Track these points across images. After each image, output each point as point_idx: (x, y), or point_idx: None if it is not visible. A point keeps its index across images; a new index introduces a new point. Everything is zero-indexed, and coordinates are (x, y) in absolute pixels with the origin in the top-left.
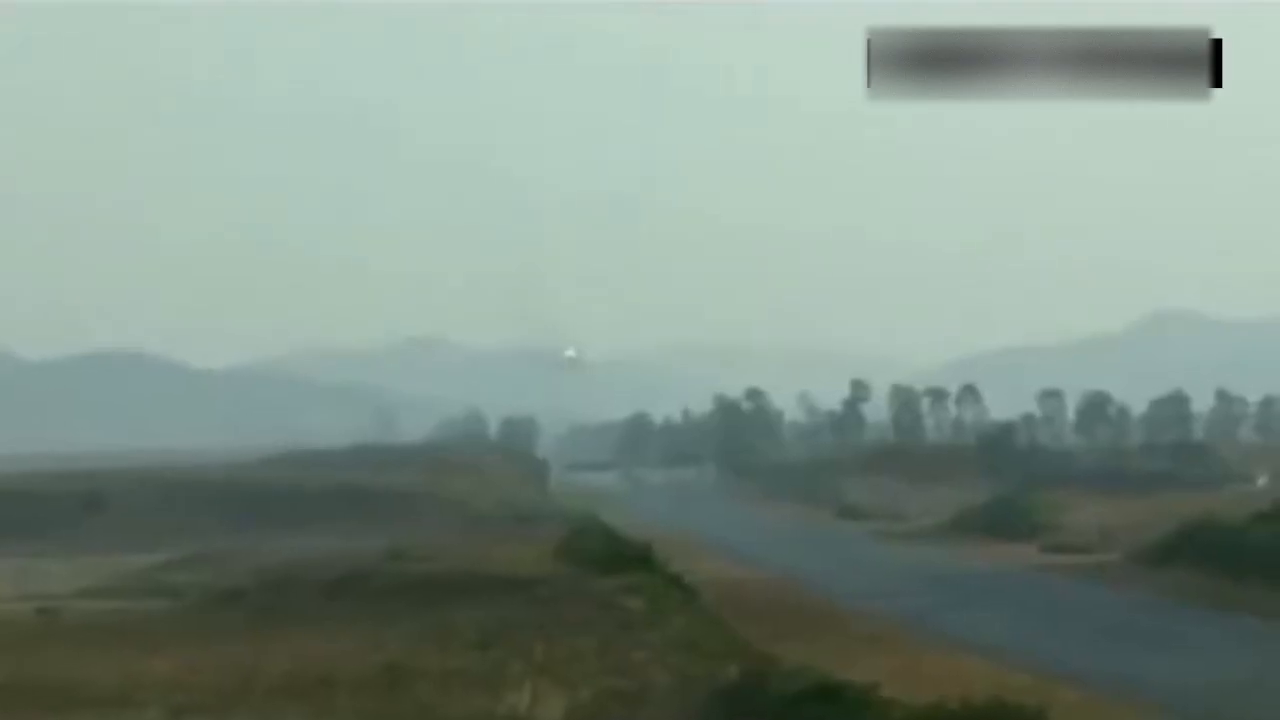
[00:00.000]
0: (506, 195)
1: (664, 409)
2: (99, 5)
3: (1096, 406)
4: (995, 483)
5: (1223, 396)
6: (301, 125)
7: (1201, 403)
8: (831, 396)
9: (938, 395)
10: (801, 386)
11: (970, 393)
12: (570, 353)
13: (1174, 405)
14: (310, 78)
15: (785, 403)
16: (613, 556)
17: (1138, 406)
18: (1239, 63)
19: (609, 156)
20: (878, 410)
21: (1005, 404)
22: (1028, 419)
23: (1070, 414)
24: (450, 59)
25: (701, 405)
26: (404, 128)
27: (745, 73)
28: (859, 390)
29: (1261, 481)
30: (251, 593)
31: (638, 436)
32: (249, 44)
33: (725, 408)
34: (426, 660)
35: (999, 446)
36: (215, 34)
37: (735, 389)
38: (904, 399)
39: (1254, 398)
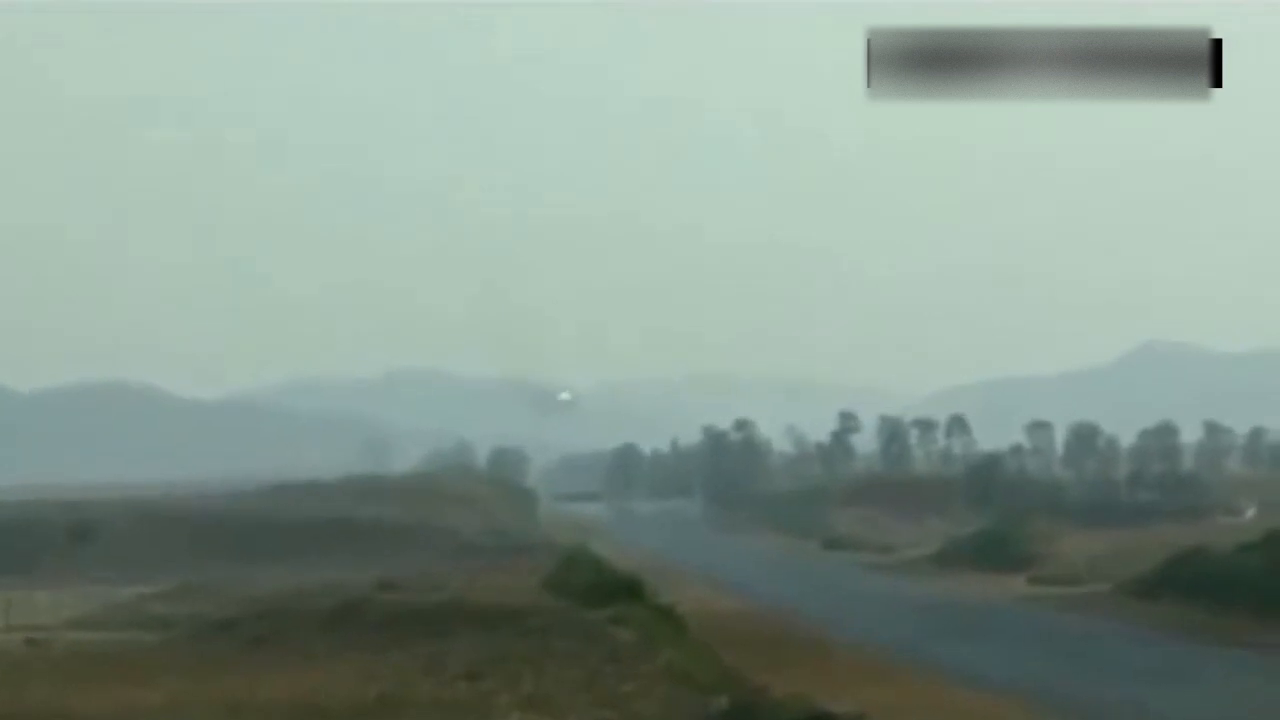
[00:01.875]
0: (493, 224)
1: (652, 440)
2: (89, 21)
3: (1085, 438)
4: (984, 514)
5: (1211, 428)
6: (290, 152)
7: (1190, 434)
8: (820, 427)
9: (926, 426)
10: (790, 417)
11: (959, 424)
12: (565, 395)
13: (1162, 436)
14: (293, 99)
15: (773, 434)
16: (602, 587)
17: (1126, 438)
18: (1240, 72)
19: (600, 175)
20: (866, 441)
21: (994, 435)
22: (1016, 450)
23: (1059, 445)
24: (443, 79)
25: (690, 436)
26: (395, 154)
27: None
28: (847, 421)
29: (1250, 513)
30: (242, 624)
31: (626, 467)
32: (239, 69)
33: (713, 439)
34: (416, 691)
35: (987, 478)
36: (205, 59)
37: (723, 420)
38: (892, 430)
39: (1242, 429)
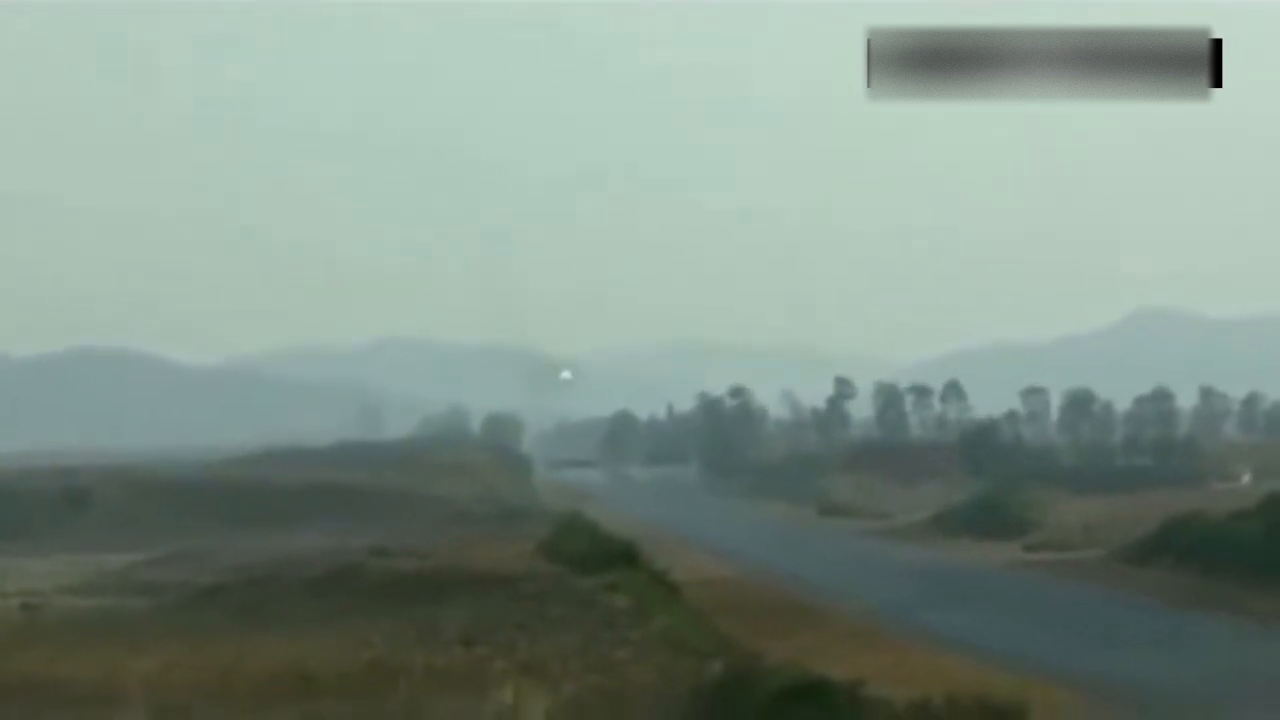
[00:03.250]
0: (491, 191)
1: (648, 406)
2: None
3: (1080, 404)
4: (979, 480)
5: (1206, 393)
6: (285, 120)
7: (1185, 400)
8: (815, 394)
9: (922, 393)
10: (785, 384)
11: (954, 390)
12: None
13: (1158, 402)
14: (287, 68)
15: (769, 400)
16: (596, 554)
17: (1122, 403)
18: (1235, 61)
19: (600, 156)
20: (862, 408)
21: (989, 401)
22: (1012, 416)
23: (1054, 411)
24: (439, 53)
25: (685, 403)
26: (390, 121)
27: (741, 72)
28: (843, 387)
29: (1245, 478)
30: (234, 590)
31: (622, 434)
32: (221, 35)
33: (709, 405)
34: (410, 658)
35: (983, 444)
36: (192, 28)
37: (719, 387)
38: (888, 396)
39: (1238, 395)
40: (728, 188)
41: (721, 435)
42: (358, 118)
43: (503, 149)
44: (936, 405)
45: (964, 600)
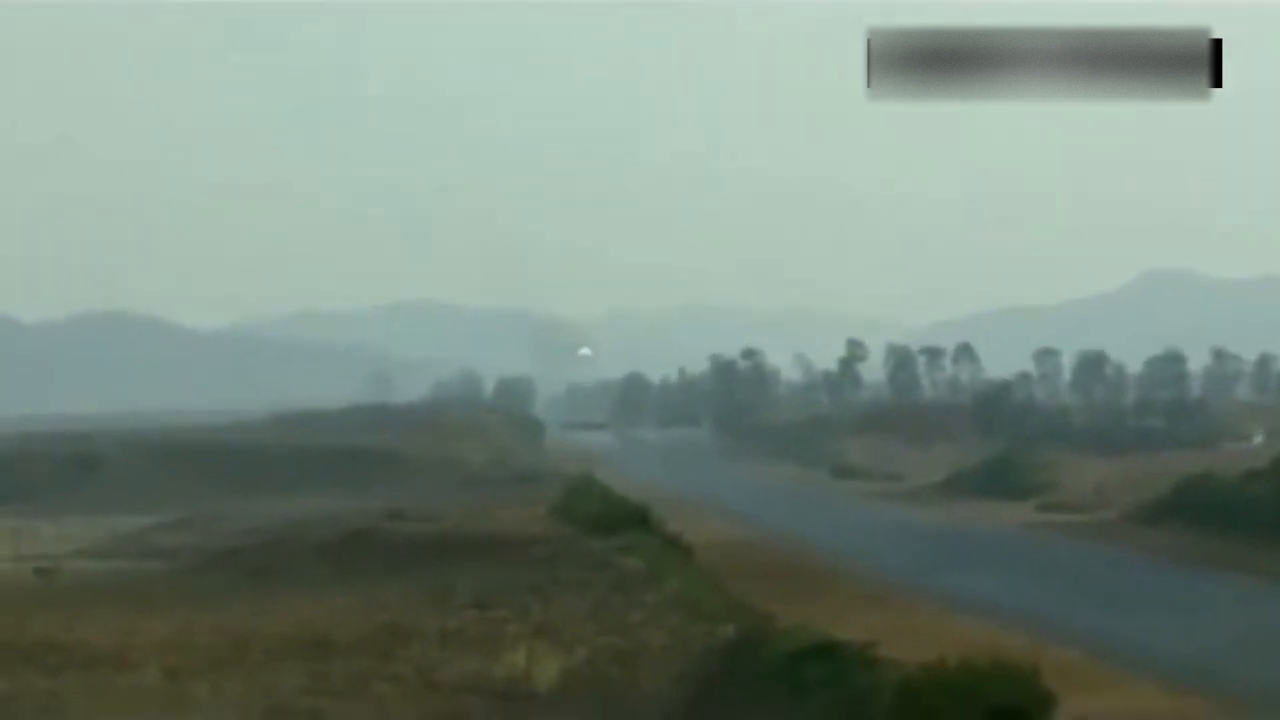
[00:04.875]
0: (503, 156)
1: (660, 369)
2: None
3: (1093, 365)
4: (991, 442)
5: (1219, 355)
6: (297, 82)
7: (1197, 361)
8: (827, 356)
9: (934, 354)
10: (798, 346)
11: (966, 352)
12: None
13: (1170, 364)
14: (300, 33)
15: (781, 362)
16: (609, 516)
17: (1134, 365)
18: (1237, 43)
19: (610, 124)
20: (873, 370)
21: (1001, 363)
22: (1024, 378)
23: (1066, 373)
24: (452, 20)
25: (698, 365)
26: (404, 85)
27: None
28: (855, 349)
29: (1257, 439)
30: (247, 553)
31: (634, 396)
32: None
33: (721, 367)
34: (424, 621)
35: (995, 406)
36: None
37: (731, 349)
38: (900, 358)
39: (1250, 356)
40: (737, 155)
41: (733, 397)
42: (371, 82)
43: (515, 116)
44: (948, 367)
45: (976, 562)
